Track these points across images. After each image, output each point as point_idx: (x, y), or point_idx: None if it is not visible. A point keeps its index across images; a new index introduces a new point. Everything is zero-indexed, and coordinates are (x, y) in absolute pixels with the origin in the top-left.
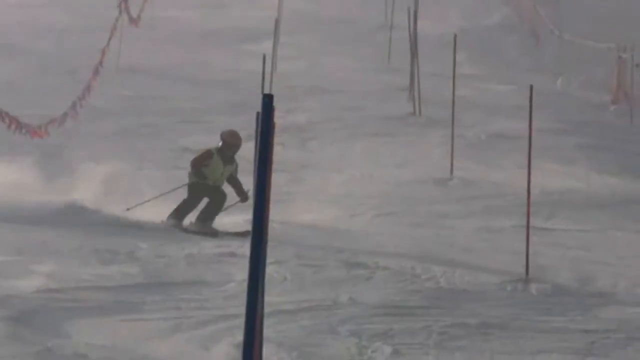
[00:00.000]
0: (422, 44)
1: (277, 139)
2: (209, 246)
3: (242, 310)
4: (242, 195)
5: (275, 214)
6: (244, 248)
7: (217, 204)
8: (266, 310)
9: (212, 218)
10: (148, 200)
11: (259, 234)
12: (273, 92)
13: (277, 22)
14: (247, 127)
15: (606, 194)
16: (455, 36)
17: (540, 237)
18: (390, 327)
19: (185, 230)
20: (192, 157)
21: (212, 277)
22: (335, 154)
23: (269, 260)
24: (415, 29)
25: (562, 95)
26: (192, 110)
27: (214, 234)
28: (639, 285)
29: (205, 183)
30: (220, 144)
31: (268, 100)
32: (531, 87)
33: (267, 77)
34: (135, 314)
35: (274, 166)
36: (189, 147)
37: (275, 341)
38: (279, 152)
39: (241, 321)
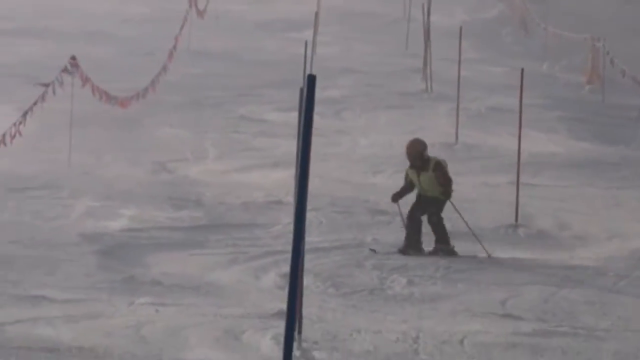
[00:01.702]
0: (434, 33)
1: (316, 110)
2: (260, 195)
3: (287, 247)
4: (445, 190)
5: (314, 170)
6: (289, 197)
7: (434, 222)
8: (306, 247)
9: (444, 236)
10: None
11: (302, 186)
12: (312, 72)
13: (316, 15)
14: (291, 100)
15: (581, 157)
16: (460, 28)
17: (527, 191)
18: (406, 262)
19: (430, 253)
20: (247, 123)
21: (263, 220)
22: (363, 122)
23: (308, 207)
24: (428, 21)
25: (546, 76)
26: (247, 85)
27: (453, 252)
28: (606, 230)
29: (423, 195)
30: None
31: (311, 80)
32: (522, 70)
33: (308, 59)
34: (200, 249)
35: (313, 131)
36: (244, 115)
37: (313, 272)
38: (317, 121)
39: (286, 256)
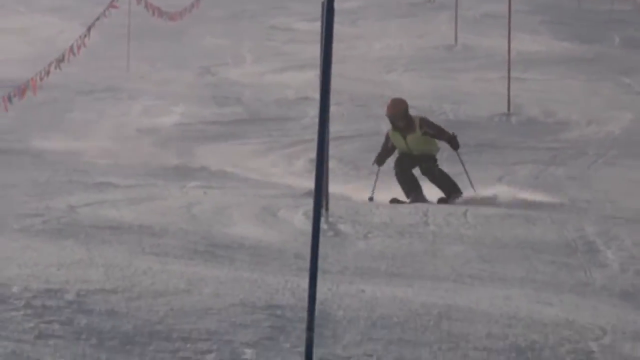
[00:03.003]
0: None
1: (336, 19)
2: (290, 93)
3: (314, 136)
4: (452, 141)
5: (335, 70)
6: (315, 93)
7: (436, 173)
8: (330, 136)
9: (453, 183)
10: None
11: (325, 84)
12: None
13: None
14: (315, 12)
15: (562, 54)
16: None
17: (517, 85)
18: None
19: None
20: (277, 32)
21: (294, 114)
22: (377, 29)
23: (331, 102)
24: None
25: None
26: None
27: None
28: (585, 116)
29: (410, 155)
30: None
31: None
32: None
33: None
34: (241, 140)
35: (334, 37)
36: (275, 25)
37: (336, 157)
38: (337, 28)
39: (314, 144)
